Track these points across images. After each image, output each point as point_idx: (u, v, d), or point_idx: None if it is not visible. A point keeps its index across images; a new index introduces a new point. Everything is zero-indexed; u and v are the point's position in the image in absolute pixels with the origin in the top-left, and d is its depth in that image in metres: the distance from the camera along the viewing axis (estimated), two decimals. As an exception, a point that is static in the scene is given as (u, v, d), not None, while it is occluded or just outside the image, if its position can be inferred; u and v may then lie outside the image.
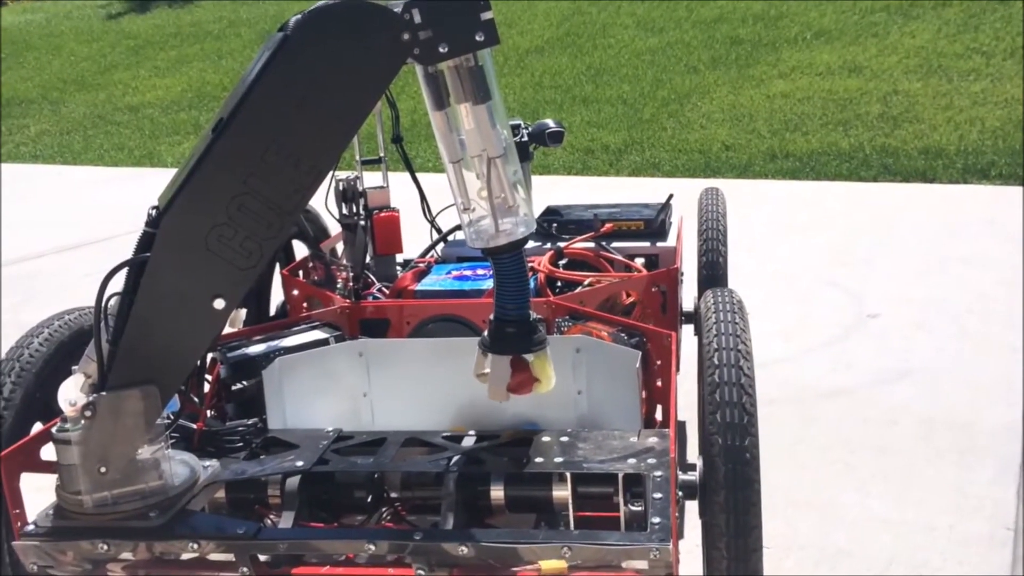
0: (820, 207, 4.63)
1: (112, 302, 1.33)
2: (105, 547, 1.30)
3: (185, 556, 1.33)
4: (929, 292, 3.25)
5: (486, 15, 1.28)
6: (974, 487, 2.03)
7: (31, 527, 1.32)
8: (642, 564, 1.22)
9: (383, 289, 2.10)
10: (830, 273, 3.54)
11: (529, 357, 1.42)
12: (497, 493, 1.43)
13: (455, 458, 1.46)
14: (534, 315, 1.45)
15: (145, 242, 1.31)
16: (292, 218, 1.32)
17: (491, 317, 1.44)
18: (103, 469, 1.29)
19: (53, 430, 1.31)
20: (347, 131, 1.31)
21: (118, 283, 1.33)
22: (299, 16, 1.29)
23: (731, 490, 1.21)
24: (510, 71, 8.50)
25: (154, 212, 1.32)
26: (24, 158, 7.90)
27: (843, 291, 3.33)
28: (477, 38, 1.29)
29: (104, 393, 1.28)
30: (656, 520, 1.25)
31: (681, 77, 7.70)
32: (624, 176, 5.82)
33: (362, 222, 2.25)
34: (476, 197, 1.39)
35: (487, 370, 1.45)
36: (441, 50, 1.28)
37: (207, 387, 1.68)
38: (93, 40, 11.53)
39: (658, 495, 1.29)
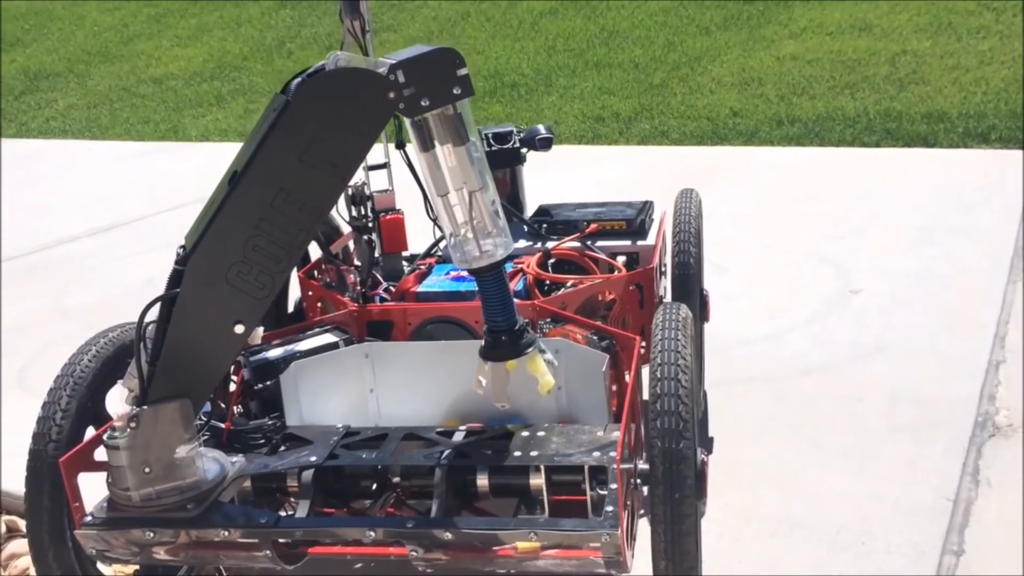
0: (820, 176, 4.77)
1: (150, 328, 1.56)
2: (151, 534, 1.56)
3: (217, 540, 1.57)
4: (913, 266, 3.42)
5: (462, 71, 1.50)
6: (925, 460, 2.23)
7: (89, 518, 1.57)
8: (596, 545, 1.45)
9: (390, 288, 2.32)
10: (822, 246, 3.71)
11: (523, 360, 1.64)
12: (483, 482, 1.66)
13: (447, 451, 1.69)
14: (521, 321, 1.66)
15: (175, 278, 1.53)
16: (299, 252, 1.56)
17: (484, 329, 1.66)
18: (147, 470, 1.54)
19: (104, 437, 1.55)
20: (343, 177, 1.54)
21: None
22: (299, 82, 1.50)
23: (667, 485, 1.43)
24: (524, 35, 8.61)
25: (181, 251, 1.54)
26: (54, 133, 8.14)
27: (831, 266, 3.51)
28: (455, 91, 1.50)
29: (146, 407, 1.52)
30: (609, 508, 1.49)
31: (693, 39, 7.78)
32: (633, 144, 5.96)
33: (370, 224, 2.46)
34: (460, 225, 1.61)
35: (488, 376, 1.68)
36: (423, 104, 1.50)
37: (232, 387, 1.92)
38: (115, 8, 11.69)
39: (614, 485, 1.52)
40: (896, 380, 2.62)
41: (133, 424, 1.52)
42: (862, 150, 5.27)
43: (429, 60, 1.49)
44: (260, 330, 1.66)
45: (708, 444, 2.37)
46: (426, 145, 1.57)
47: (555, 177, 4.83)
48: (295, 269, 2.55)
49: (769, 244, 3.80)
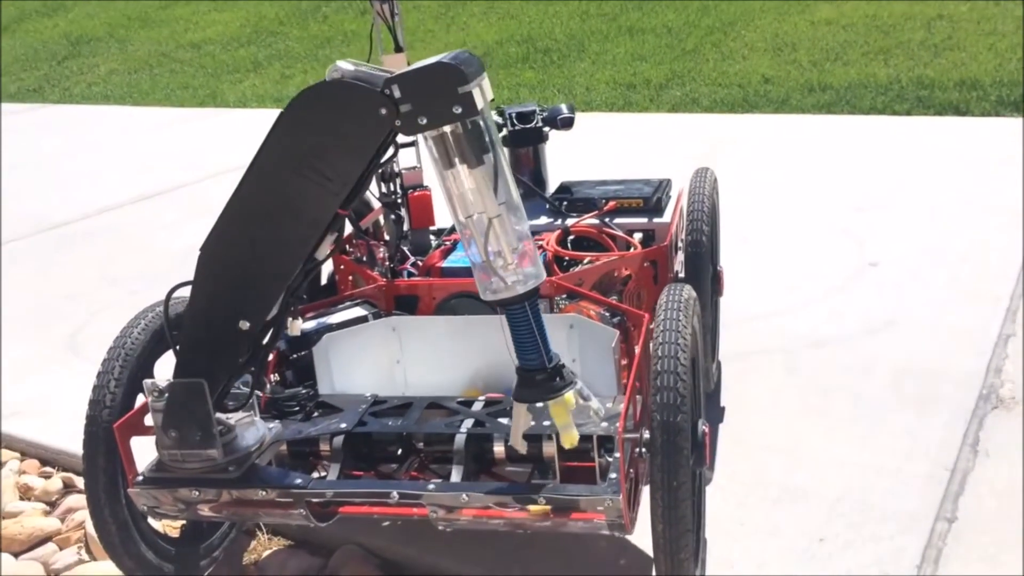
0: (849, 145, 4.79)
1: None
2: (196, 493, 1.71)
3: (256, 499, 1.72)
4: (931, 238, 3.48)
5: (463, 88, 1.42)
6: (927, 431, 2.32)
7: (140, 478, 1.73)
8: (600, 509, 1.58)
9: (417, 263, 2.45)
10: (844, 219, 3.76)
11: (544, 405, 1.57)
12: (499, 448, 1.79)
13: (467, 420, 1.82)
14: (556, 359, 1.57)
15: None
16: (297, 262, 1.60)
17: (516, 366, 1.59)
18: (173, 434, 1.68)
19: (149, 401, 1.70)
20: (338, 191, 1.54)
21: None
22: (298, 93, 1.56)
23: (665, 455, 1.54)
24: (557, -2, 8.63)
25: None
26: (96, 98, 8.33)
27: (852, 239, 3.57)
28: (455, 110, 1.43)
29: (172, 380, 1.67)
30: (613, 475, 1.61)
31: (727, 3, 7.75)
32: (664, 112, 6.00)
33: (398, 200, 2.58)
34: (481, 253, 1.53)
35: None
36: (420, 122, 1.44)
37: (270, 357, 2.07)
38: (154, -28, 11.82)
39: (618, 454, 1.64)
40: (906, 353, 2.70)
41: (163, 393, 1.66)
42: (892, 118, 5.27)
43: (427, 75, 1.43)
44: (299, 322, 1.77)
45: (719, 414, 2.48)
46: (450, 162, 1.49)
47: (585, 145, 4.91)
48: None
49: (792, 215, 3.87)
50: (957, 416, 2.36)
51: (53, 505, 2.45)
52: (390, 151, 2.62)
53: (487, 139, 1.49)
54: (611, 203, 2.47)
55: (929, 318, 2.89)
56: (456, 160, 1.49)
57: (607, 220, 2.45)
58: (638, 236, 2.44)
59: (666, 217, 2.46)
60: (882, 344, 2.76)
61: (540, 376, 1.57)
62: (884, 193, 4.01)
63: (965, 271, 3.20)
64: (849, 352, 2.74)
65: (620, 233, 2.41)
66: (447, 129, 1.48)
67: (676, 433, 1.54)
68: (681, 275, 2.46)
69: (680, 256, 2.48)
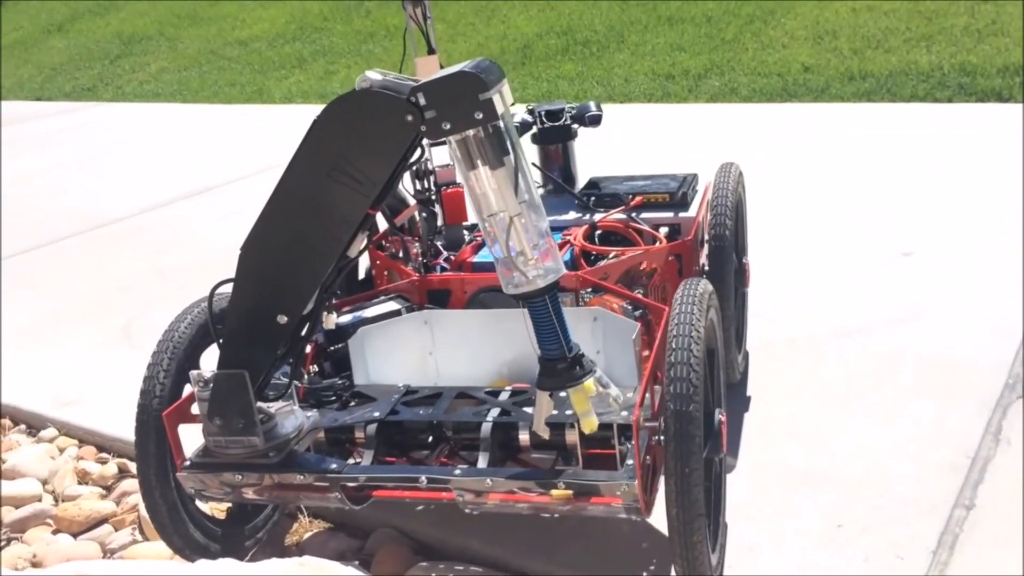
0: (888, 134, 4.78)
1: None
2: (240, 477, 1.82)
3: (296, 483, 1.83)
4: (967, 228, 3.48)
5: (484, 95, 1.51)
6: (951, 420, 2.35)
7: (188, 463, 1.85)
8: (618, 493, 1.66)
9: (450, 258, 2.54)
10: (881, 208, 3.78)
11: (565, 393, 1.66)
12: (524, 436, 1.87)
13: (493, 409, 1.91)
14: (576, 349, 1.66)
15: None
16: (331, 259, 1.71)
17: (537, 356, 1.67)
18: (218, 421, 1.79)
19: (196, 390, 1.82)
20: (368, 193, 1.64)
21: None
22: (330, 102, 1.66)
23: (677, 443, 1.61)
24: (598, -11, 8.64)
25: None
26: (148, 96, 8.57)
27: (887, 228, 3.58)
28: (476, 116, 1.52)
29: (216, 371, 1.78)
30: (629, 462, 1.69)
31: (767, -9, 7.72)
32: (702, 102, 6.02)
33: (432, 197, 2.68)
34: (503, 248, 1.60)
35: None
36: (444, 127, 1.54)
37: (308, 350, 2.17)
38: (202, -30, 12.05)
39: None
40: (933, 344, 2.72)
41: (208, 384, 1.77)
42: (934, 106, 5.24)
43: (450, 84, 1.52)
44: (333, 316, 1.86)
45: (745, 403, 2.54)
46: (468, 164, 1.58)
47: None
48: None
49: (829, 204, 3.89)
50: (981, 405, 2.39)
51: (109, 489, 2.60)
52: (417, 153, 2.72)
53: (508, 142, 1.58)
54: (637, 198, 2.54)
55: (958, 309, 2.91)
56: (478, 162, 1.57)
57: (634, 215, 2.51)
58: (664, 230, 2.50)
59: (692, 211, 2.51)
60: (910, 334, 2.79)
61: (561, 365, 1.65)
62: (923, 182, 4.01)
63: (998, 261, 3.20)
64: (877, 342, 2.77)
65: (646, 228, 2.47)
66: (469, 133, 1.57)
67: (688, 422, 1.61)
68: (707, 268, 2.53)
69: (706, 250, 2.53)
